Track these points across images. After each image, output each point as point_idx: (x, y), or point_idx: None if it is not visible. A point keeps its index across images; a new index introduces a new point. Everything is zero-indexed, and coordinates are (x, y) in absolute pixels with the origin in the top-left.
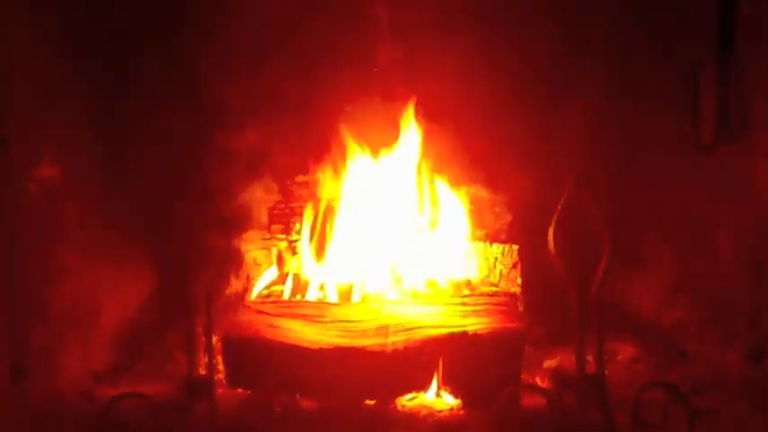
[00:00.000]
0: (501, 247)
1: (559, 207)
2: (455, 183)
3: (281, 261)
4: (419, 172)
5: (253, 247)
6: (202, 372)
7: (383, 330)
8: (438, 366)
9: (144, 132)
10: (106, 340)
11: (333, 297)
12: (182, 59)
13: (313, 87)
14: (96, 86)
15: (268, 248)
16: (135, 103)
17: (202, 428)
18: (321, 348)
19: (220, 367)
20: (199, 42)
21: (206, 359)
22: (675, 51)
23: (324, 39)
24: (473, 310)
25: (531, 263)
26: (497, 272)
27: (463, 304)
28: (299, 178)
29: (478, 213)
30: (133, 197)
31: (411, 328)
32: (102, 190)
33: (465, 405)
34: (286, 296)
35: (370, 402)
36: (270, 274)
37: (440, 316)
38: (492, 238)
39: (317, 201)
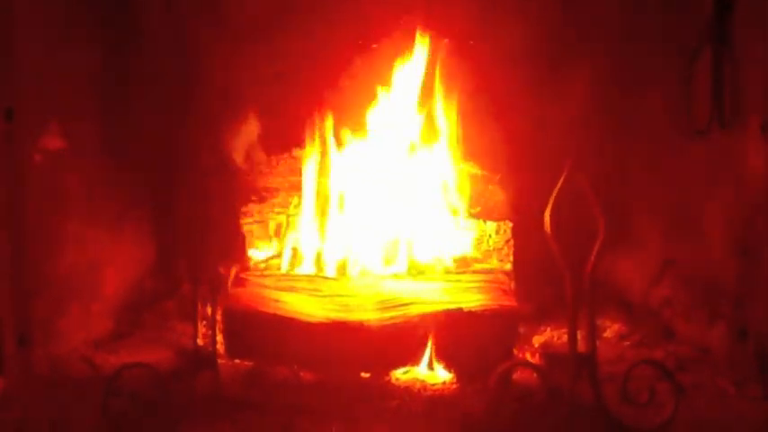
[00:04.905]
0: (495, 224)
1: (557, 189)
2: (451, 160)
3: (279, 235)
4: (416, 150)
5: (251, 221)
6: (199, 342)
7: (379, 306)
8: (432, 341)
9: (147, 104)
10: (106, 309)
11: (330, 272)
12: (185, 29)
13: (314, 60)
14: (100, 58)
15: (266, 222)
16: (139, 73)
17: (206, 398)
18: (318, 322)
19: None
20: (201, 10)
21: (208, 330)
22: (671, 37)
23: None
24: (468, 287)
25: (523, 240)
26: (491, 249)
27: (458, 281)
28: (297, 152)
29: (473, 191)
30: (135, 168)
31: (406, 304)
32: (106, 161)
33: (458, 380)
34: (284, 270)
35: (366, 375)
36: (268, 247)
37: (435, 292)
38: (486, 215)
39: (315, 175)
